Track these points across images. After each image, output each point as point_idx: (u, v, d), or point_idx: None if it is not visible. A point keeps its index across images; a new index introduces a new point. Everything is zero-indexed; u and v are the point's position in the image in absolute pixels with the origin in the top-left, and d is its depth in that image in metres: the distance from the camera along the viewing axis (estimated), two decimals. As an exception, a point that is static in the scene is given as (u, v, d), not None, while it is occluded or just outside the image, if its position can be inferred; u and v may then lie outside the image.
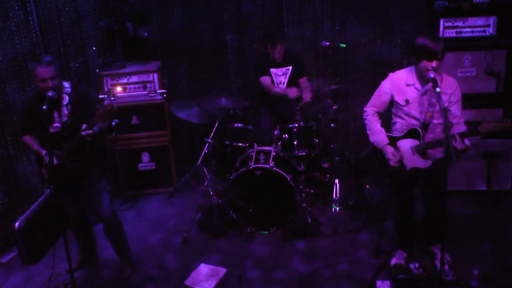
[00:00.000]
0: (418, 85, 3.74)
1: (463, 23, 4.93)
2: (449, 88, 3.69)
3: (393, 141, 3.85)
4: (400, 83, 3.79)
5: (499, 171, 4.92)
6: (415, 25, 5.72)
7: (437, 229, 4.10)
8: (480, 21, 4.90)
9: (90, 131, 3.66)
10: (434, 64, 3.55)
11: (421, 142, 3.73)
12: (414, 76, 3.76)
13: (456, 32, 4.95)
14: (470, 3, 4.86)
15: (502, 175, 4.93)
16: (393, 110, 3.92)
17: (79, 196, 4.16)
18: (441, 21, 4.94)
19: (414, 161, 3.77)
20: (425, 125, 3.74)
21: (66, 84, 3.87)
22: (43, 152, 3.82)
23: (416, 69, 3.72)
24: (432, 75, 3.52)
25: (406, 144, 3.79)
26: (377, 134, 3.89)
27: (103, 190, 4.07)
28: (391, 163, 3.80)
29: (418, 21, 5.68)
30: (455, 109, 3.72)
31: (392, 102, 3.87)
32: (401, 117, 3.84)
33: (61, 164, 3.79)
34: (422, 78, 3.68)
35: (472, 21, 4.91)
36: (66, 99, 3.82)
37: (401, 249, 4.17)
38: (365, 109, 3.98)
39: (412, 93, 3.75)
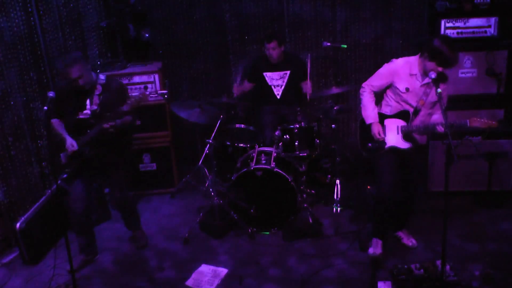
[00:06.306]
0: (419, 77, 3.91)
1: (464, 23, 4.93)
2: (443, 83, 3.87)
3: (382, 118, 4.07)
4: (404, 72, 3.95)
5: (500, 171, 4.92)
6: (416, 25, 5.72)
7: (405, 215, 4.31)
8: (481, 21, 4.90)
9: (113, 123, 3.89)
10: (440, 69, 3.73)
11: (408, 124, 3.96)
12: (417, 67, 3.91)
13: (457, 33, 4.94)
14: (471, 3, 4.86)
15: (503, 175, 4.93)
16: (390, 93, 4.06)
17: (90, 187, 4.33)
18: (442, 22, 4.94)
19: (395, 140, 4.00)
20: (416, 111, 3.95)
21: (102, 76, 4.14)
22: (67, 141, 3.98)
23: (421, 61, 3.86)
24: (433, 76, 3.63)
25: (393, 123, 4.02)
26: (369, 110, 4.10)
27: (118, 175, 4.33)
28: (375, 137, 4.01)
29: (419, 21, 5.69)
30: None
31: (389, 86, 4.04)
32: (397, 102, 4.02)
33: (80, 150, 4.01)
34: (424, 71, 3.85)
35: (473, 21, 4.91)
36: (99, 89, 4.08)
37: (375, 238, 4.21)
38: (363, 85, 4.15)
39: (413, 83, 3.92)
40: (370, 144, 4.08)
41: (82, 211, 4.22)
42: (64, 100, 4.05)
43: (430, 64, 3.74)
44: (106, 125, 3.91)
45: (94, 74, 4.13)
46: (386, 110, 4.10)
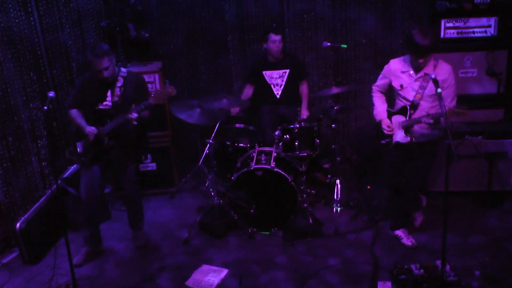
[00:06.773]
0: (412, 72, 4.08)
1: (464, 23, 4.93)
2: (443, 75, 3.95)
3: (390, 115, 4.29)
4: (397, 70, 4.16)
5: (500, 171, 4.92)
6: (416, 25, 5.72)
7: (406, 213, 4.49)
8: (481, 21, 4.91)
9: (136, 114, 3.97)
10: (420, 60, 3.90)
11: (406, 119, 4.11)
12: (408, 63, 4.09)
13: (457, 33, 4.95)
14: (471, 3, 4.86)
15: (503, 175, 4.93)
16: (394, 93, 4.28)
17: (104, 176, 4.41)
18: (442, 22, 4.95)
19: (397, 136, 4.17)
20: (414, 105, 4.09)
21: (123, 69, 4.30)
22: (87, 128, 4.09)
23: (409, 56, 4.07)
24: (433, 76, 3.61)
25: (397, 119, 4.21)
26: (378, 108, 4.37)
27: (131, 169, 4.44)
28: (385, 132, 4.22)
29: (419, 21, 5.68)
30: (445, 94, 3.90)
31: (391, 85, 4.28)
32: (399, 100, 4.23)
33: (98, 139, 4.11)
34: (416, 66, 4.02)
35: (473, 21, 4.92)
36: (120, 81, 4.20)
37: (402, 228, 4.43)
38: (372, 87, 4.45)
39: (406, 79, 4.11)
40: (383, 141, 4.29)
41: (97, 194, 4.30)
42: (86, 91, 4.20)
43: (411, 57, 3.97)
44: (131, 115, 3.98)
45: (116, 68, 4.25)
46: (394, 108, 4.30)
